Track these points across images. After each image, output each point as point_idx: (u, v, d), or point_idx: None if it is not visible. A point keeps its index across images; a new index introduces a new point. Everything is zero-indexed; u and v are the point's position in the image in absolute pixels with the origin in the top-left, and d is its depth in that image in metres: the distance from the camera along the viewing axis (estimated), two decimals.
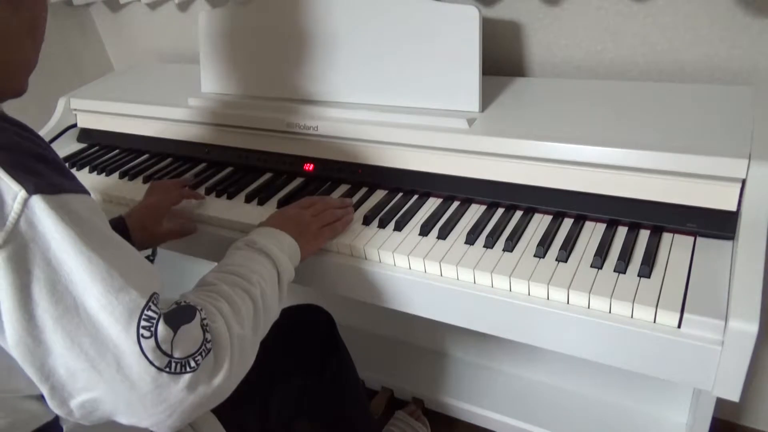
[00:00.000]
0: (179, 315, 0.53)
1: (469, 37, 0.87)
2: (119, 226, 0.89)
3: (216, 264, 0.69)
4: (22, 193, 0.47)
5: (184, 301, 0.55)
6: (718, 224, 0.72)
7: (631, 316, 0.66)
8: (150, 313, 0.50)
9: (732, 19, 0.88)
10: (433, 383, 1.39)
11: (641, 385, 1.22)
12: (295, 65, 1.03)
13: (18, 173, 0.47)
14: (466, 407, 1.32)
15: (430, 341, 1.48)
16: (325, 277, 0.85)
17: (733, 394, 0.63)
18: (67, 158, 1.22)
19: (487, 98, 0.93)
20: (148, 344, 0.49)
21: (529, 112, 0.90)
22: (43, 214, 0.47)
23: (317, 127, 0.96)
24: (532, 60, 1.06)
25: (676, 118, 0.81)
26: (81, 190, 0.52)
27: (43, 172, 0.49)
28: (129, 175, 1.11)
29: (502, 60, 1.08)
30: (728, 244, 0.71)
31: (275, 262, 0.70)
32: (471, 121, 0.87)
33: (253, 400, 0.62)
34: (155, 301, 0.51)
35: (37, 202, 0.47)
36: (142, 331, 0.49)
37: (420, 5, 0.89)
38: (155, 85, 1.28)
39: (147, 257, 1.15)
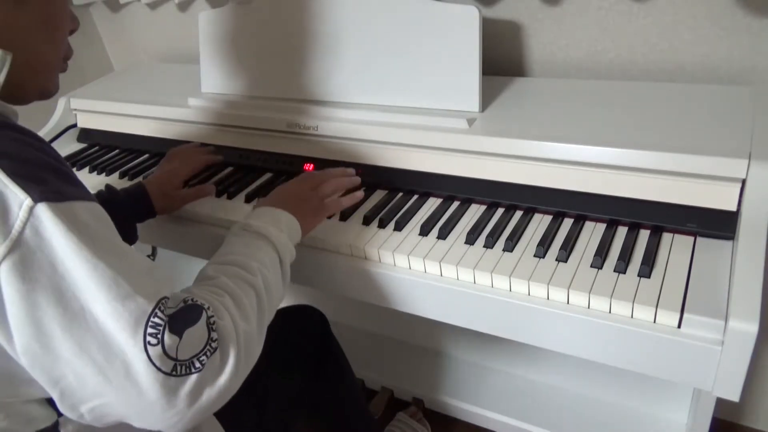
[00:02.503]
0: (185, 317, 0.52)
1: (469, 37, 0.87)
2: (139, 192, 0.90)
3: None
4: (27, 201, 0.47)
5: (191, 299, 0.54)
6: (718, 224, 0.72)
7: (631, 316, 0.66)
8: (156, 320, 0.50)
9: (732, 19, 0.89)
10: (433, 383, 1.39)
11: (641, 385, 1.22)
12: (295, 65, 1.03)
13: (24, 181, 0.47)
14: (466, 407, 1.33)
15: (430, 341, 1.48)
16: (325, 277, 0.85)
17: (733, 394, 0.63)
18: (67, 158, 1.22)
19: (487, 98, 0.93)
20: (155, 351, 0.49)
21: (529, 112, 0.90)
22: (48, 221, 0.47)
23: (317, 127, 0.96)
24: (532, 60, 1.06)
25: (676, 118, 0.81)
26: (88, 197, 0.52)
27: (50, 180, 0.49)
28: (129, 175, 1.11)
29: (502, 60, 1.08)
30: (728, 244, 0.71)
31: (274, 243, 0.69)
32: (471, 121, 0.87)
33: (250, 401, 0.62)
34: (162, 308, 0.51)
35: (43, 210, 0.47)
36: (149, 338, 0.49)
37: (420, 5, 0.89)
38: (155, 85, 1.28)
39: (147, 257, 1.15)
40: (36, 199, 0.47)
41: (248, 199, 0.97)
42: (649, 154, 0.73)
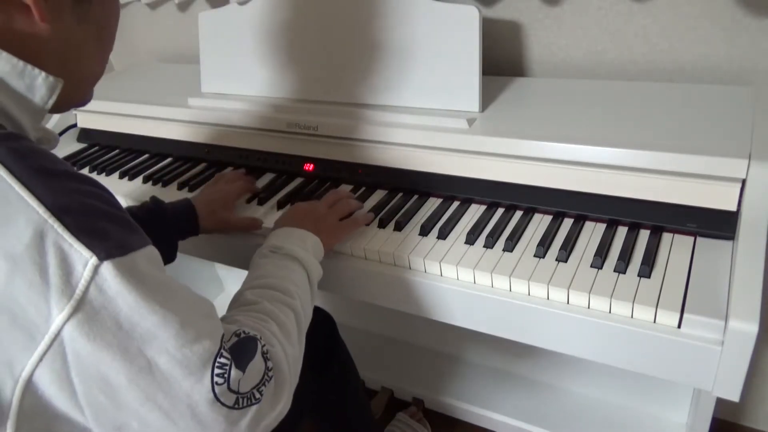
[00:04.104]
0: (244, 351, 0.53)
1: (469, 37, 0.87)
2: (188, 210, 0.87)
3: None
4: (93, 260, 0.46)
5: (243, 332, 0.55)
6: (718, 224, 0.72)
7: (631, 316, 0.66)
8: (222, 360, 0.50)
9: (732, 19, 0.89)
10: (434, 383, 1.39)
11: (641, 385, 1.22)
12: (295, 65, 1.03)
13: (88, 238, 0.46)
14: (466, 407, 1.32)
15: (430, 341, 1.48)
16: (324, 278, 0.85)
17: (733, 394, 0.63)
18: (67, 158, 1.22)
19: (487, 98, 0.93)
20: (222, 389, 0.50)
21: (529, 112, 0.90)
22: (113, 280, 0.46)
23: (317, 127, 0.96)
24: (532, 60, 1.06)
25: (676, 118, 0.81)
26: (144, 242, 0.52)
27: (112, 231, 0.48)
28: (129, 175, 1.11)
29: (502, 60, 1.08)
30: (728, 244, 0.71)
31: (304, 265, 0.70)
32: (471, 121, 0.87)
33: None
34: (225, 346, 0.52)
35: (108, 269, 0.46)
36: (216, 378, 0.49)
37: (420, 5, 0.89)
38: (155, 85, 1.28)
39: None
40: (101, 258, 0.46)
41: (248, 200, 0.97)
42: (649, 154, 0.73)
